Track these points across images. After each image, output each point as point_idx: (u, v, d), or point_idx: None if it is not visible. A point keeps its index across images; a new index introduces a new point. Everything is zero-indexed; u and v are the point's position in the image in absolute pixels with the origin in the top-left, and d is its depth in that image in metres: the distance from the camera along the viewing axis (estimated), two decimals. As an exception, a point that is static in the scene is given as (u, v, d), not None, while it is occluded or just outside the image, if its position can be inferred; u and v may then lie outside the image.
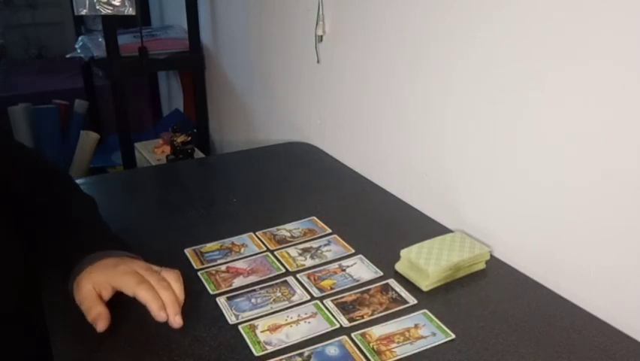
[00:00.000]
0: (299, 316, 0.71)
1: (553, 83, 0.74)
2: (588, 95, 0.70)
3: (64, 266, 0.71)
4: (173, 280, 0.69)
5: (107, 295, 0.67)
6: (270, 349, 0.65)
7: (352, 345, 0.66)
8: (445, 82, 0.92)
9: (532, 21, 0.75)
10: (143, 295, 0.64)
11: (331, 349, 0.66)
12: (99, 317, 0.65)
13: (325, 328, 0.69)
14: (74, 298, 0.68)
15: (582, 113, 0.71)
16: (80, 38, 2.19)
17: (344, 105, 1.22)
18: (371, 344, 0.66)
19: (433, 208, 0.99)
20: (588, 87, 0.70)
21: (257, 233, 0.91)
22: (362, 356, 0.64)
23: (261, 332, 0.68)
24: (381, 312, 0.72)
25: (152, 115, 2.82)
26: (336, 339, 0.67)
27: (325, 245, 0.88)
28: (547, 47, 0.74)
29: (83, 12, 1.68)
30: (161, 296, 0.65)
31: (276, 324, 0.70)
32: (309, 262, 0.83)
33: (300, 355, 0.64)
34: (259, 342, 0.66)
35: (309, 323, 0.70)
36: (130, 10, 1.69)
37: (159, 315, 0.64)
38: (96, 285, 0.66)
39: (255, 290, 0.76)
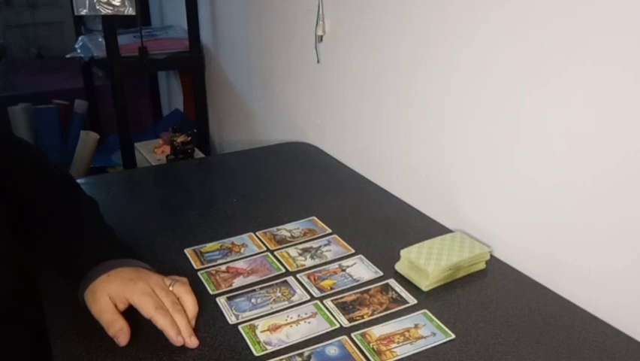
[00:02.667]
0: (299, 316, 0.71)
1: (553, 83, 0.74)
2: (588, 95, 0.70)
3: (74, 272, 0.71)
4: (186, 294, 0.69)
5: (122, 307, 0.67)
6: (270, 349, 0.65)
7: (352, 345, 0.66)
8: (445, 82, 0.92)
9: (533, 21, 0.75)
10: (161, 322, 0.65)
11: (331, 349, 0.66)
12: (121, 332, 0.65)
13: (325, 328, 0.69)
14: (88, 307, 0.67)
15: (582, 114, 0.71)
16: (80, 38, 2.19)
17: (344, 105, 1.22)
18: (371, 344, 0.66)
19: (433, 208, 0.99)
20: (588, 87, 0.70)
21: (257, 233, 0.91)
22: (362, 356, 0.64)
23: (261, 332, 0.68)
24: (381, 312, 0.72)
25: (152, 115, 2.82)
26: (336, 339, 0.67)
27: (325, 245, 0.88)
28: (548, 47, 0.74)
29: (83, 12, 1.68)
30: (177, 321, 0.66)
31: (276, 324, 0.70)
32: (309, 262, 0.83)
33: (300, 355, 0.64)
34: (259, 342, 0.66)
35: (309, 323, 0.70)
36: (130, 10, 1.69)
37: (177, 341, 0.65)
38: (112, 297, 0.66)
39: (255, 290, 0.76)
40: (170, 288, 0.69)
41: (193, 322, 0.68)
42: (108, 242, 0.76)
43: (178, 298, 0.69)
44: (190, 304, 0.69)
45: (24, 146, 0.84)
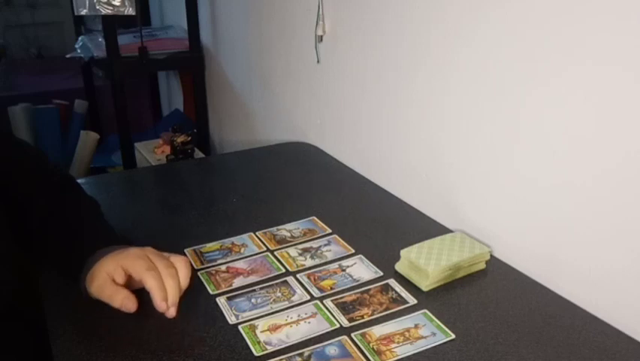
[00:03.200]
0: (299, 316, 0.71)
1: (553, 83, 0.74)
2: (588, 95, 0.70)
3: (74, 268, 0.71)
4: (182, 265, 0.70)
5: (120, 278, 0.67)
6: (270, 349, 0.65)
7: (352, 345, 0.66)
8: (445, 82, 0.92)
9: (533, 21, 0.75)
10: (150, 283, 0.65)
11: (331, 349, 0.66)
12: (126, 300, 0.66)
13: (325, 328, 0.69)
14: (90, 292, 0.68)
15: (582, 114, 0.71)
16: (80, 38, 2.19)
17: (344, 105, 1.22)
18: (371, 344, 0.66)
19: (433, 208, 0.99)
20: (588, 87, 0.70)
21: (257, 233, 0.91)
22: (362, 356, 0.64)
23: (261, 332, 0.68)
24: (381, 312, 0.72)
25: (152, 115, 2.82)
26: (336, 339, 0.67)
27: (325, 245, 0.88)
28: (548, 47, 0.74)
29: (83, 12, 1.68)
30: (166, 284, 0.66)
31: (276, 324, 0.70)
32: (309, 262, 0.83)
33: (300, 355, 0.64)
34: (259, 342, 0.66)
35: (309, 323, 0.70)
36: (130, 10, 1.69)
37: (160, 306, 0.66)
38: (109, 272, 0.67)
39: (255, 290, 0.76)
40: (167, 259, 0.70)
41: (181, 292, 0.69)
42: (109, 233, 0.76)
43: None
44: (184, 272, 0.69)
45: (24, 146, 0.84)
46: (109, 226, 0.79)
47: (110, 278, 0.67)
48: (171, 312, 0.67)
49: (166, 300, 0.66)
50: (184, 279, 0.69)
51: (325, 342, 0.67)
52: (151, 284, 0.65)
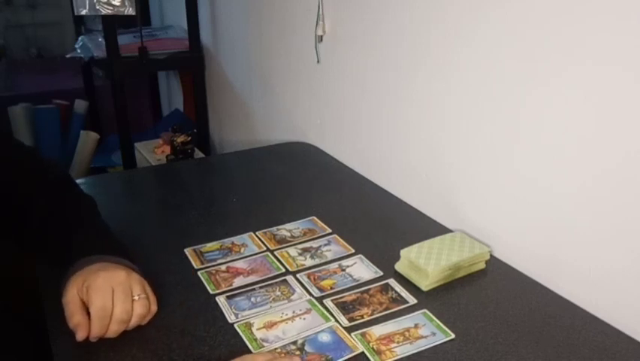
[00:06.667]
0: (294, 312, 0.71)
1: (553, 83, 0.74)
2: (588, 95, 0.70)
3: (61, 268, 0.71)
4: (137, 318, 0.67)
5: (85, 299, 0.66)
6: (267, 346, 0.65)
7: (344, 331, 0.66)
8: (445, 82, 0.92)
9: (533, 21, 0.75)
10: (93, 329, 0.65)
11: (323, 336, 0.67)
12: (78, 327, 0.65)
13: (320, 323, 0.69)
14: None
15: (582, 113, 0.71)
16: (80, 38, 2.19)
17: (344, 105, 1.22)
18: (371, 344, 0.66)
19: (433, 208, 0.99)
20: (588, 87, 0.70)
21: (257, 233, 0.91)
22: (354, 342, 0.64)
23: (257, 329, 0.68)
24: (381, 312, 0.72)
25: (152, 115, 2.82)
26: (327, 325, 0.68)
27: (325, 245, 0.88)
28: (548, 47, 0.74)
29: (83, 12, 1.68)
30: (110, 328, 0.65)
31: (271, 321, 0.70)
32: (309, 262, 0.83)
33: (294, 343, 0.66)
34: (256, 339, 0.66)
35: (303, 319, 0.70)
36: (130, 10, 1.69)
37: (78, 337, 0.64)
38: (79, 290, 0.66)
39: (254, 290, 0.76)
40: (135, 297, 0.67)
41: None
42: (96, 239, 0.75)
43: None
44: (134, 322, 0.67)
45: (22, 147, 0.84)
46: (101, 228, 0.78)
47: (79, 296, 0.66)
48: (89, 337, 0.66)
49: (93, 337, 0.65)
50: (131, 325, 0.67)
51: (317, 328, 0.67)
52: (93, 329, 0.65)
